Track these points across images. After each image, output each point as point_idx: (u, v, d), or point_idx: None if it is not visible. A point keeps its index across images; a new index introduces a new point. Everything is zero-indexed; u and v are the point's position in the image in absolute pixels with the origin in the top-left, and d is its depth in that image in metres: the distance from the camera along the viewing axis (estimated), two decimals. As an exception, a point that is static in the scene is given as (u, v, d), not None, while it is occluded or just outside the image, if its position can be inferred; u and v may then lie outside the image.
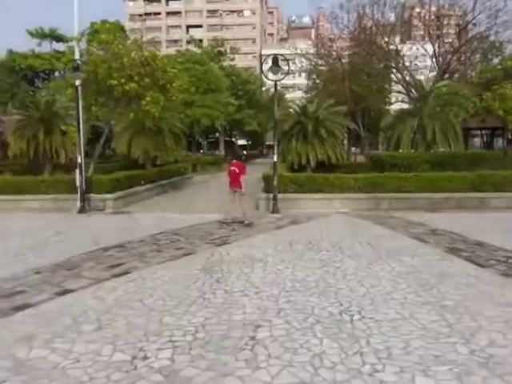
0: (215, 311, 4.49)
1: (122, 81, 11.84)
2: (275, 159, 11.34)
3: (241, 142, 64.23)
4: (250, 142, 59.05)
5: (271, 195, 11.52)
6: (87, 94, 12.35)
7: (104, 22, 35.68)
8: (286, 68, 11.47)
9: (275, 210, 11.20)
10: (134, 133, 19.08)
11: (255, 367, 3.30)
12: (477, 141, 36.36)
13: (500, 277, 5.60)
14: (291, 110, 18.95)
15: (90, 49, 12.76)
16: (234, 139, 60.25)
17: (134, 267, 6.28)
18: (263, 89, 40.33)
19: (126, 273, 5.98)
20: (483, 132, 32.93)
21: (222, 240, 8.13)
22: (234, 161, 10.58)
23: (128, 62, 11.45)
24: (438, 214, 11.16)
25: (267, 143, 59.69)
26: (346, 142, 35.89)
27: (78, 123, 11.49)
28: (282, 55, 11.96)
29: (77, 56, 11.53)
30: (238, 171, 10.09)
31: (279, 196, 11.80)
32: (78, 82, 11.19)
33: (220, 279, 5.62)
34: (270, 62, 11.19)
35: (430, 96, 18.19)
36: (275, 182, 11.23)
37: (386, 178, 12.36)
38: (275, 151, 11.50)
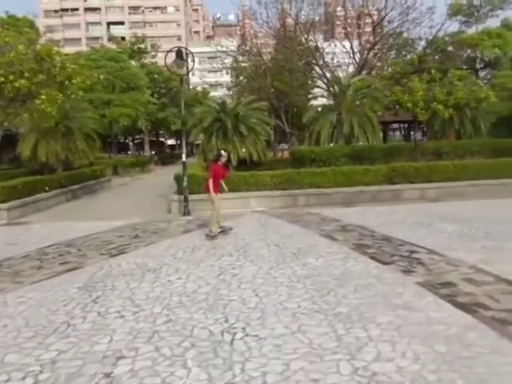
0: (76, 341, 3.79)
1: (11, 77, 10.58)
2: (183, 158, 10.68)
3: (170, 141, 62.72)
4: (178, 142, 57.83)
5: (183, 197, 10.85)
6: (-29, 93, 10.96)
7: (12, 16, 33.03)
8: (191, 63, 10.84)
9: (186, 212, 10.55)
10: (40, 135, 17.55)
11: (96, 418, 2.66)
12: (397, 134, 37.96)
13: (400, 274, 5.37)
14: (210, 106, 18.34)
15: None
16: (163, 139, 58.73)
17: (1, 290, 5.37)
18: (190, 87, 39.40)
19: (-14, 298, 5.08)
20: (401, 125, 34.40)
21: (118, 250, 7.36)
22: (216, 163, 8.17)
23: (16, 57, 10.22)
24: (353, 208, 11.10)
25: (196, 142, 58.76)
26: (272, 138, 36.00)
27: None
28: (187, 50, 11.33)
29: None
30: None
31: (193, 197, 11.16)
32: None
33: (98, 298, 4.89)
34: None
35: (347, 91, 18.35)
36: (185, 183, 10.59)
37: (303, 174, 12.14)
38: (183, 150, 10.84)
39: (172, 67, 10.50)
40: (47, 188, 14.34)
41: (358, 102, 18.49)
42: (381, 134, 31.97)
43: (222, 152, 8.14)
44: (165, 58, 10.68)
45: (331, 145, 17.11)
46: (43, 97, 11.28)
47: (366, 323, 3.89)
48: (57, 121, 16.78)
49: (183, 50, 10.41)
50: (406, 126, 33.30)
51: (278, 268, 5.84)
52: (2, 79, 10.51)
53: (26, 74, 10.76)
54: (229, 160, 15.21)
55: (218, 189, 8.15)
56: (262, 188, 11.83)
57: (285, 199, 11.77)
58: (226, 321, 4.09)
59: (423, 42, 26.17)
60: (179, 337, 3.77)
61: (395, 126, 37.65)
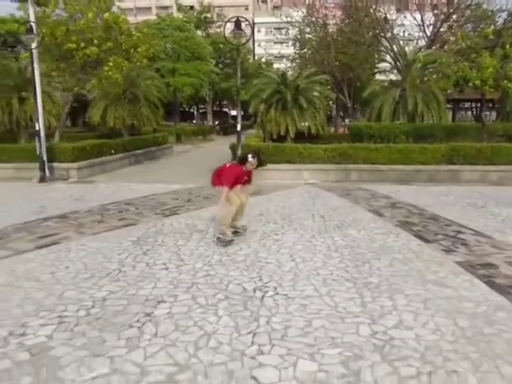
0: (124, 285, 4.23)
1: (82, 45, 11.26)
2: (238, 128, 10.95)
3: (234, 112, 63.38)
4: (242, 113, 58.31)
5: (237, 166, 11.16)
6: (48, 59, 11.78)
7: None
8: (249, 33, 10.92)
9: (239, 181, 10.85)
10: (108, 101, 18.57)
11: (133, 347, 3.05)
12: (469, 114, 35.89)
13: (441, 253, 5.34)
14: (270, 78, 18.34)
15: (45, 10, 12.06)
16: (226, 109, 59.43)
17: (64, 238, 6.00)
18: (254, 58, 39.41)
19: (52, 244, 5.70)
20: (473, 105, 32.49)
21: (171, 211, 7.84)
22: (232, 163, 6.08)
23: (85, 24, 10.84)
24: (408, 186, 10.90)
25: (259, 113, 58.72)
26: (334, 112, 35.36)
27: (35, 89, 10.97)
28: (246, 21, 11.38)
29: (31, 17, 10.90)
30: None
31: (246, 166, 11.45)
32: (33, 45, 10.61)
33: (148, 251, 5.35)
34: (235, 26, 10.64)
35: (413, 65, 17.62)
36: (239, 152, 10.87)
37: (357, 149, 12.01)
38: (238, 120, 11.09)
39: (230, 37, 10.65)
40: (113, 151, 15.24)
41: (425, 78, 17.74)
42: (449, 113, 30.46)
43: (250, 157, 5.44)
44: (223, 28, 10.84)
45: (398, 122, 16.59)
46: (110, 64, 11.90)
47: (393, 294, 4.00)
48: (124, 88, 17.66)
49: (242, 19, 10.49)
50: (479, 105, 31.41)
51: (319, 237, 6.00)
52: (74, 46, 11.19)
53: (96, 42, 11.37)
54: (287, 132, 15.37)
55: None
56: (315, 161, 11.87)
57: (337, 173, 11.76)
58: (260, 280, 4.36)
59: (505, 14, 24.28)
60: (215, 290, 4.09)
61: (467, 105, 35.65)
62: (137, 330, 3.30)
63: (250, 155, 5.49)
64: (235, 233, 5.81)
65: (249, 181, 5.84)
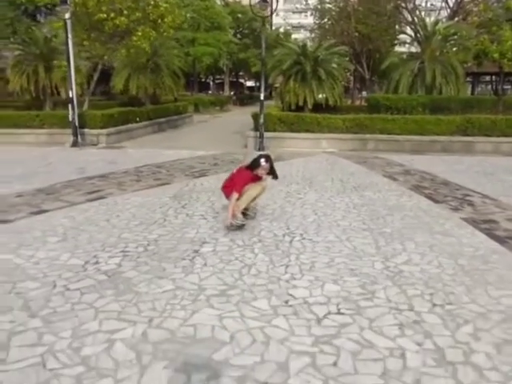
0: (171, 230, 4.93)
1: (112, 15, 11.75)
2: (262, 97, 11.45)
3: (249, 83, 63.21)
4: (257, 84, 58.28)
5: (259, 133, 11.75)
6: (78, 29, 12.32)
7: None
8: (275, 3, 11.28)
9: (261, 148, 11.47)
10: (132, 70, 19.08)
11: (189, 272, 3.74)
12: (489, 88, 35.50)
13: (448, 211, 5.93)
14: (290, 49, 18.57)
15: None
16: (242, 80, 59.37)
17: (109, 193, 6.71)
18: (272, 28, 39.14)
19: (100, 198, 6.42)
20: (493, 78, 32.18)
21: (200, 173, 8.51)
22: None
23: (115, -6, 11.31)
24: (422, 156, 11.38)
25: (275, 85, 58.59)
26: (351, 84, 35.29)
27: (68, 58, 11.57)
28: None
29: (64, -13, 11.39)
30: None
31: (268, 134, 12.05)
32: (66, 16, 11.15)
33: (186, 205, 6.03)
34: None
35: (432, 38, 17.69)
36: (261, 120, 11.43)
37: (374, 120, 12.46)
38: (262, 89, 11.59)
39: (255, 8, 11.02)
40: (138, 119, 15.89)
41: (445, 51, 17.81)
42: (469, 86, 30.26)
43: (263, 161, 4.90)
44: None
45: (418, 94, 16.79)
46: (139, 33, 12.40)
47: (404, 240, 4.62)
48: (147, 57, 18.12)
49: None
50: (498, 79, 31.13)
51: (337, 197, 6.63)
52: (104, 16, 11.68)
53: (125, 12, 11.85)
54: (305, 103, 15.76)
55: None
56: (333, 130, 12.37)
57: (355, 143, 12.26)
58: (288, 228, 5.02)
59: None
60: (249, 235, 4.76)
61: (487, 78, 35.29)
62: (189, 262, 3.99)
63: (262, 159, 4.92)
64: (244, 214, 5.05)
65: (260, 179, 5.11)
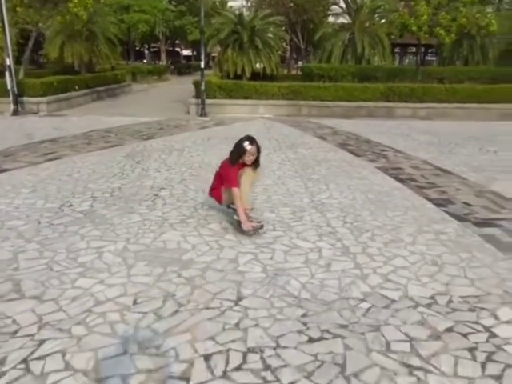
0: (131, 180, 5.64)
1: (47, -21, 11.67)
2: (202, 65, 12.05)
3: (186, 52, 62.17)
4: (195, 53, 57.48)
5: (200, 100, 12.38)
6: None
7: None
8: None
9: (203, 114, 12.15)
10: (66, 37, 18.66)
11: (152, 209, 4.53)
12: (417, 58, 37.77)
13: (367, 162, 7.07)
14: (227, 18, 18.98)
15: None
16: (178, 49, 58.28)
17: (65, 155, 7.20)
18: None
19: (58, 158, 6.92)
20: (419, 50, 34.37)
21: (148, 136, 9.10)
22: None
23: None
24: (350, 120, 12.58)
25: (213, 54, 58.18)
26: (288, 54, 36.12)
27: (3, 25, 11.42)
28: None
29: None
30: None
31: (209, 101, 12.71)
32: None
33: (140, 162, 6.71)
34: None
35: (361, 10, 18.87)
36: (203, 87, 12.06)
37: (307, 87, 13.47)
38: (202, 58, 12.17)
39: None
40: (76, 87, 15.84)
41: (371, 23, 19.07)
42: (396, 57, 32.06)
43: (247, 144, 3.93)
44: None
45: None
46: (75, 0, 12.38)
47: (328, 183, 5.66)
48: (82, 24, 17.81)
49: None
50: (423, 50, 33.26)
51: (274, 153, 7.57)
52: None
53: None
54: (243, 72, 16.44)
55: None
56: (270, 97, 13.26)
57: (290, 108, 13.24)
58: (232, 177, 5.88)
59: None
60: (199, 182, 5.58)
61: (415, 50, 37.49)
62: (151, 202, 4.77)
63: (246, 143, 3.94)
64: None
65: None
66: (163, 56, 41.12)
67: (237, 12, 20.07)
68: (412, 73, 17.15)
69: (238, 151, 4.00)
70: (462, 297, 2.89)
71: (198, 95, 12.89)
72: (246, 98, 13.14)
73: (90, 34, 19.27)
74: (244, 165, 4.03)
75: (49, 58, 20.50)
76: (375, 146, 8.48)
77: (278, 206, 4.71)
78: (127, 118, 11.84)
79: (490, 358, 2.28)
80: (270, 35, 18.23)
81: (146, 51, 50.16)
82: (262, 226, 4.00)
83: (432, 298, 2.88)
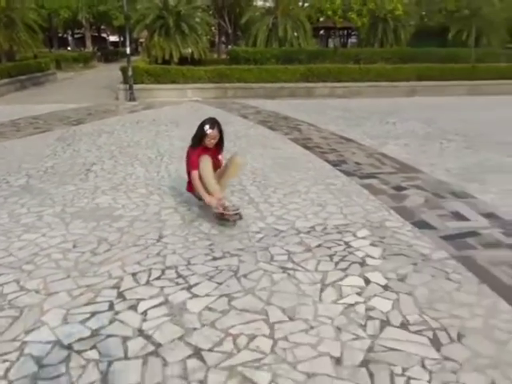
0: (63, 160, 6.10)
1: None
2: (128, 51, 12.35)
3: (113, 38, 60.33)
4: (122, 39, 55.98)
5: (128, 85, 12.70)
6: None
7: None
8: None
9: (131, 99, 12.50)
10: (-19, 24, 17.94)
11: (85, 180, 5.08)
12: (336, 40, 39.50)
13: (281, 135, 7.93)
14: (152, 3, 19.05)
15: None
16: (105, 35, 56.42)
17: (-5, 141, 7.44)
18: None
19: (-13, 144, 7.15)
20: (341, 33, 36.02)
21: (77, 121, 9.41)
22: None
23: None
24: (272, 100, 13.44)
25: (141, 40, 56.89)
26: (216, 39, 36.38)
27: None
28: None
29: None
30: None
31: (137, 87, 13.03)
32: None
33: (71, 144, 7.13)
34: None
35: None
36: (130, 73, 12.38)
37: (232, 70, 14.17)
38: (127, 43, 12.45)
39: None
40: (-3, 76, 15.45)
41: (292, 7, 19.96)
42: (323, 40, 33.37)
43: (207, 128, 3.89)
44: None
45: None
46: (-8, -14, 12.12)
47: (245, 153, 6.43)
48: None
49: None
50: (346, 33, 34.87)
51: (199, 131, 8.22)
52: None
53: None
54: (171, 57, 16.76)
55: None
56: (197, 81, 13.82)
57: (216, 91, 13.88)
58: (159, 153, 6.50)
59: None
60: (129, 158, 6.16)
61: (341, 33, 39.09)
62: (84, 176, 5.31)
63: (206, 126, 3.88)
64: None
65: (218, 165, 4.16)
66: (88, 42, 39.91)
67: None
68: (331, 54, 18.32)
69: (199, 134, 3.94)
70: (334, 225, 3.78)
71: (125, 81, 13.17)
72: (174, 82, 13.60)
73: (9, 21, 18.63)
74: (207, 149, 3.92)
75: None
76: (292, 122, 9.39)
77: (198, 172, 5.41)
78: (54, 104, 11.91)
79: (342, 259, 3.16)
80: (196, 20, 18.59)
81: (70, 38, 48.24)
82: (238, 215, 3.77)
83: (312, 227, 3.74)
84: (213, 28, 32.93)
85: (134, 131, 8.25)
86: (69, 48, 44.88)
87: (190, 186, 4.12)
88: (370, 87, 14.71)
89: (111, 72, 23.06)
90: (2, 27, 18.30)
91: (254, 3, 30.99)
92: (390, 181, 5.09)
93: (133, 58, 13.36)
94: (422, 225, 3.80)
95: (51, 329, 2.36)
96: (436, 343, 2.26)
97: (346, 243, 3.43)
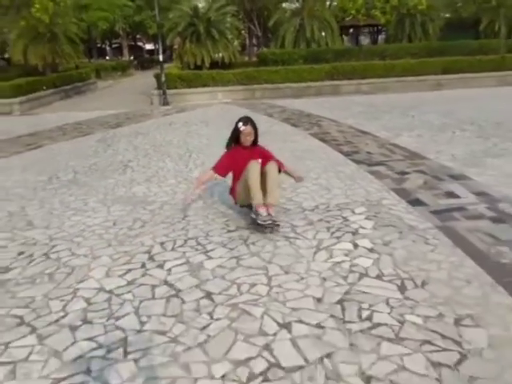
0: (104, 158, 6.88)
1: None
2: (161, 59, 13.20)
3: (148, 46, 62.37)
4: (157, 47, 57.84)
5: (162, 91, 13.55)
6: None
7: None
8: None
9: (165, 103, 13.33)
10: (28, 40, 19.35)
11: (123, 174, 5.81)
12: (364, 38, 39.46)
13: (302, 130, 8.46)
14: (183, 11, 19.95)
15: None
16: (141, 44, 58.46)
17: (44, 144, 8.36)
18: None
19: (39, 147, 8.07)
20: (371, 30, 35.97)
21: (116, 125, 10.28)
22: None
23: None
24: (299, 99, 13.94)
25: (175, 47, 58.51)
26: (247, 42, 37.14)
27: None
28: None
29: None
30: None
31: (170, 92, 13.87)
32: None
33: (110, 145, 7.93)
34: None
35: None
36: (163, 79, 13.22)
37: (260, 72, 14.78)
38: (160, 51, 13.30)
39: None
40: (44, 87, 16.72)
41: (317, 8, 20.37)
42: (353, 39, 33.49)
43: (240, 125, 3.99)
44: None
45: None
46: (37, 6, 13.29)
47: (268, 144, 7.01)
48: (44, 27, 18.57)
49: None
50: (375, 30, 34.80)
51: (225, 129, 8.77)
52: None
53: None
54: (203, 62, 17.56)
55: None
56: (226, 84, 14.52)
57: (245, 93, 14.53)
58: (188, 150, 7.18)
59: None
60: (162, 155, 6.86)
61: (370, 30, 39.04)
62: (122, 171, 6.04)
63: (240, 123, 3.99)
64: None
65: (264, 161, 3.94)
66: (125, 51, 41.60)
67: (192, 5, 21.07)
68: (357, 52, 18.61)
69: (233, 133, 4.02)
70: (336, 204, 4.30)
71: (159, 86, 14.03)
72: (205, 86, 14.36)
73: (52, 36, 19.95)
74: (242, 149, 3.99)
75: (13, 61, 21.16)
76: (314, 118, 9.88)
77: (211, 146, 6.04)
78: (96, 111, 12.91)
79: (338, 230, 3.68)
80: (226, 25, 19.32)
81: (108, 48, 50.37)
82: (276, 224, 3.68)
83: (316, 206, 4.27)
84: (243, 32, 33.71)
85: (166, 132, 8.99)
86: (107, 57, 46.90)
87: (231, 190, 4.12)
88: (395, 82, 14.95)
89: (147, 79, 24.16)
90: (46, 42, 19.67)
91: (283, 5, 31.59)
92: (396, 167, 5.53)
93: (166, 65, 14.20)
94: (416, 202, 4.25)
95: (96, 280, 3.02)
96: (402, 289, 2.75)
97: (344, 218, 3.94)
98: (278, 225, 3.70)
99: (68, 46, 20.81)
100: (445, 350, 2.17)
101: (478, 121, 8.40)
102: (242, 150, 4.03)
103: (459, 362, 2.08)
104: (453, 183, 4.78)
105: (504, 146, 6.32)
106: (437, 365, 2.07)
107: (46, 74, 19.66)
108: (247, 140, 4.01)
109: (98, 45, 45.98)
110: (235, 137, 4.04)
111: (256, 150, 4.11)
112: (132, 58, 43.39)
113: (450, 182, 4.84)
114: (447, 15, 27.80)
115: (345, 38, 32.16)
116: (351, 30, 33.99)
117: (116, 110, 13.07)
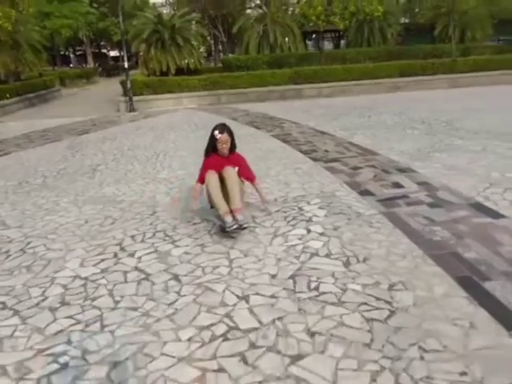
0: (72, 163, 7.07)
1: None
2: (126, 66, 13.39)
3: (113, 53, 61.86)
4: (122, 54, 57.43)
5: (128, 97, 13.71)
6: None
7: None
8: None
9: (132, 109, 13.51)
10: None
11: (92, 178, 6.04)
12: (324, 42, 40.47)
13: (265, 133, 8.86)
14: (147, 18, 20.12)
15: None
16: (105, 51, 57.89)
17: (12, 151, 8.44)
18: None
19: (6, 154, 8.16)
20: (333, 35, 36.96)
21: (83, 131, 10.41)
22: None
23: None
24: (263, 103, 14.38)
25: (140, 54, 58.27)
26: (213, 48, 37.49)
27: None
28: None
29: None
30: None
31: (136, 98, 14.05)
32: None
33: (79, 150, 8.11)
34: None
35: (272, 1, 20.67)
36: (129, 86, 13.40)
37: (224, 77, 15.15)
38: (125, 58, 13.48)
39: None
40: (8, 95, 16.57)
41: (279, 15, 20.94)
42: (315, 43, 34.36)
43: (216, 133, 4.07)
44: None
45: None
46: (0, 14, 13.25)
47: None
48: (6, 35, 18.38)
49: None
50: (337, 35, 35.76)
51: (191, 133, 9.19)
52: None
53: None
54: (168, 69, 17.77)
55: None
56: (192, 89, 14.81)
57: (210, 98, 14.86)
58: (155, 153, 7.45)
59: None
60: (128, 158, 7.11)
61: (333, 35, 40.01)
62: (91, 174, 6.26)
63: (216, 131, 4.04)
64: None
65: (244, 175, 4.25)
66: (90, 59, 41.20)
67: (155, 12, 21.26)
68: (318, 57, 19.26)
69: (209, 141, 4.09)
70: (293, 197, 4.69)
71: (125, 93, 14.19)
72: (170, 92, 14.60)
73: (15, 43, 19.77)
74: (221, 158, 4.03)
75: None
76: (276, 121, 10.31)
77: (188, 164, 6.36)
78: (61, 119, 12.94)
79: (293, 218, 4.07)
80: (190, 32, 19.60)
81: (72, 55, 49.69)
82: (242, 228, 3.70)
83: (275, 199, 4.65)
84: (208, 38, 34.03)
85: (133, 137, 9.22)
86: (71, 65, 46.27)
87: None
88: (354, 86, 15.61)
89: (113, 86, 24.15)
90: (8, 49, 19.45)
91: (247, 11, 32.13)
92: (350, 163, 5.99)
93: (132, 72, 14.36)
94: (365, 193, 4.70)
95: (72, 270, 3.29)
96: (346, 264, 3.15)
97: (300, 208, 4.34)
98: (245, 228, 3.71)
99: (31, 53, 20.64)
100: (377, 308, 2.58)
101: (429, 120, 9.02)
102: (218, 158, 4.04)
103: (388, 317, 2.48)
104: (399, 175, 5.26)
105: (448, 142, 6.89)
106: (370, 320, 2.47)
107: (8, 82, 19.44)
108: (224, 148, 4.02)
109: (62, 52, 45.35)
110: (212, 145, 4.05)
111: (232, 159, 4.13)
112: (97, 65, 43.00)
113: (396, 174, 5.32)
114: (406, 21, 29.08)
115: (308, 43, 32.90)
116: (314, 36, 34.94)
117: (82, 117, 13.14)
